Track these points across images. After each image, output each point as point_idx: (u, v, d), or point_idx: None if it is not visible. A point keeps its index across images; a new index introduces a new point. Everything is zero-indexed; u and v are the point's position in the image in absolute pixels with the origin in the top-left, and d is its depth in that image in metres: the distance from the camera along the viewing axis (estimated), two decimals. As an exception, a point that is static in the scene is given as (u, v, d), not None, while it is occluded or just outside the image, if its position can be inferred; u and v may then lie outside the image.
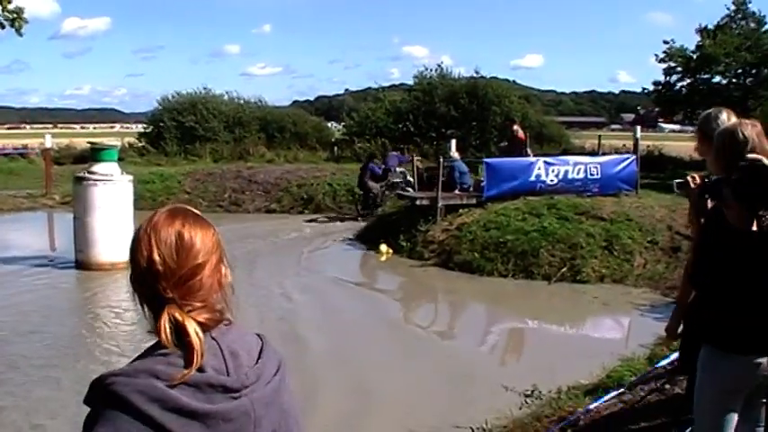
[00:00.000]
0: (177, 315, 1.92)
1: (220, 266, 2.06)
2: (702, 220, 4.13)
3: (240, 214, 27.35)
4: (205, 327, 1.95)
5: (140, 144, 40.79)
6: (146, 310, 1.99)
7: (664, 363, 8.02)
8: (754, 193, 3.22)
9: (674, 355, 6.38)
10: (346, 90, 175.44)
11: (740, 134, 3.81)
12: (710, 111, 4.56)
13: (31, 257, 18.13)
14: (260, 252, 20.04)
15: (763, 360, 3.61)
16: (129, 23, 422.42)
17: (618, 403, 7.50)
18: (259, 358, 2.05)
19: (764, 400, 4.09)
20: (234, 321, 2.06)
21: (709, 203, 4.09)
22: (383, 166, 25.92)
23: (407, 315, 15.10)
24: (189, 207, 2.11)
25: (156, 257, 1.95)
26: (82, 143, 36.40)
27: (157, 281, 1.94)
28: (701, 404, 4.09)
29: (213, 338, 1.97)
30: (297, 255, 19.82)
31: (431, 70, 42.71)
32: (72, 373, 10.20)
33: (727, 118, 4.45)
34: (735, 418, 3.94)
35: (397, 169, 25.64)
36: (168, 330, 1.91)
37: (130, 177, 18.10)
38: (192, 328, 1.91)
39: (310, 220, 25.77)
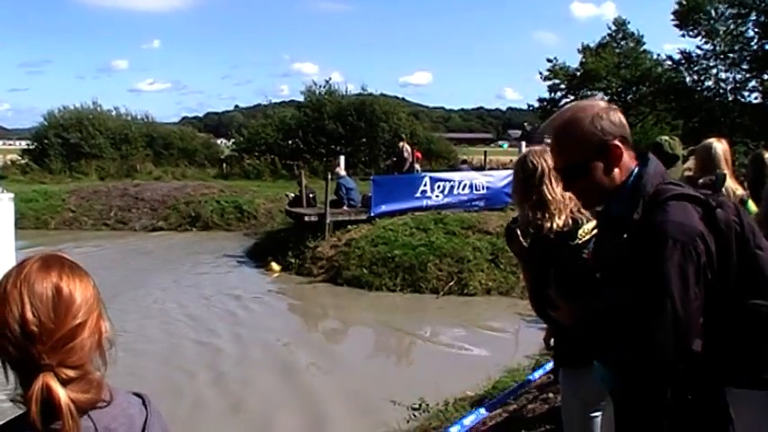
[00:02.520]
0: (53, 386, 1.61)
1: (101, 323, 1.76)
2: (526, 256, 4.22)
3: (126, 232, 26.78)
4: (79, 406, 1.65)
5: (23, 161, 39.62)
6: (9, 373, 1.69)
7: (539, 373, 8.14)
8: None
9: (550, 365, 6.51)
10: (236, 106, 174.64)
11: (530, 163, 3.92)
12: None
13: None
14: (152, 268, 19.67)
15: None
16: (14, 37, 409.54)
17: (503, 413, 7.59)
18: None
19: None
20: (112, 393, 1.77)
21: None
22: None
23: (294, 332, 15.01)
24: (64, 254, 1.81)
25: (30, 316, 1.64)
26: (-40, 160, 35.24)
27: (32, 344, 1.63)
28: (569, 421, 4.22)
29: (90, 417, 1.69)
30: (187, 272, 19.57)
31: (320, 86, 42.81)
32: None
33: None
34: (598, 423, 4.08)
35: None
36: (39, 407, 1.60)
37: (11, 195, 17.46)
38: (67, 407, 1.61)
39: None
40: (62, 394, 1.61)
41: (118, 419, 1.74)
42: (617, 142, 2.60)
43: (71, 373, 1.65)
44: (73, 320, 1.67)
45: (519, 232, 4.13)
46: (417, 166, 24.28)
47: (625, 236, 2.46)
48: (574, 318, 2.86)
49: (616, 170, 2.61)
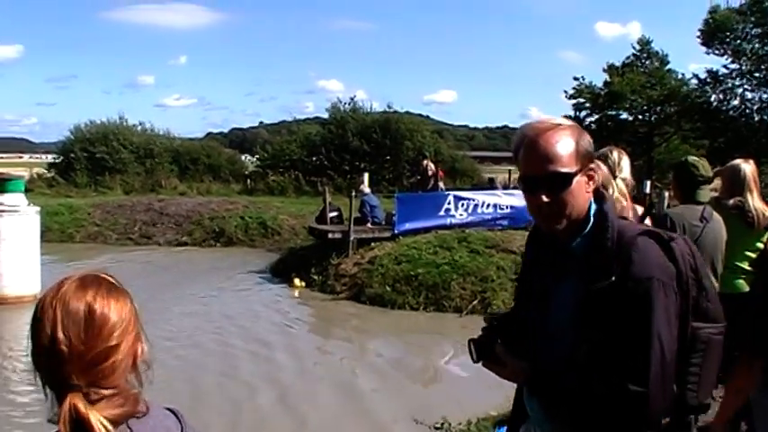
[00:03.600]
0: (81, 407, 1.61)
1: (137, 345, 1.77)
2: None
3: (151, 247, 26.87)
4: (113, 420, 1.65)
5: (49, 175, 40.00)
6: (48, 391, 1.69)
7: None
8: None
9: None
10: (261, 123, 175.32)
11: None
12: (602, 150, 4.60)
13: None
14: (177, 283, 19.71)
15: None
16: (43, 52, 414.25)
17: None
18: None
19: None
20: (148, 406, 1.78)
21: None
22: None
23: (318, 349, 14.99)
24: (104, 274, 1.81)
25: (61, 336, 1.64)
26: (-13, 173, 35.49)
27: (61, 364, 1.63)
28: None
29: (129, 428, 1.69)
30: (210, 287, 19.60)
31: (344, 104, 42.93)
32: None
33: (617, 157, 4.47)
34: None
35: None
36: (68, 427, 1.61)
37: (37, 209, 17.71)
38: (98, 423, 1.61)
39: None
40: (92, 415, 1.61)
41: (157, 430, 1.75)
42: (593, 165, 2.54)
43: (104, 392, 1.66)
44: (104, 342, 1.67)
45: None
46: (441, 185, 24.28)
47: (613, 278, 2.36)
48: (523, 377, 2.68)
49: (587, 195, 2.51)
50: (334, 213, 22.01)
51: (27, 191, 19.37)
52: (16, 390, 10.58)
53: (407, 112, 45.38)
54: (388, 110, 42.59)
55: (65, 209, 29.41)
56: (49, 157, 47.46)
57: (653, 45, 43.47)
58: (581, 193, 2.48)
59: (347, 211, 20.64)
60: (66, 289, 1.71)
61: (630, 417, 2.37)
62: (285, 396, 11.29)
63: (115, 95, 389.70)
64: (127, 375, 1.74)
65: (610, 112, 42.94)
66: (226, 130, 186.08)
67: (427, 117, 76.83)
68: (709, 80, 41.01)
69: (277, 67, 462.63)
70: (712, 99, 41.07)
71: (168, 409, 1.86)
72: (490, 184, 30.26)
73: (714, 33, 39.66)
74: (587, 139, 2.53)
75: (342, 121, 41.04)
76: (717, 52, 40.32)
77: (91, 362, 1.65)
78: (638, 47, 43.67)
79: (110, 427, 1.63)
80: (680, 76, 42.79)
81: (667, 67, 43.04)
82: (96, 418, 1.61)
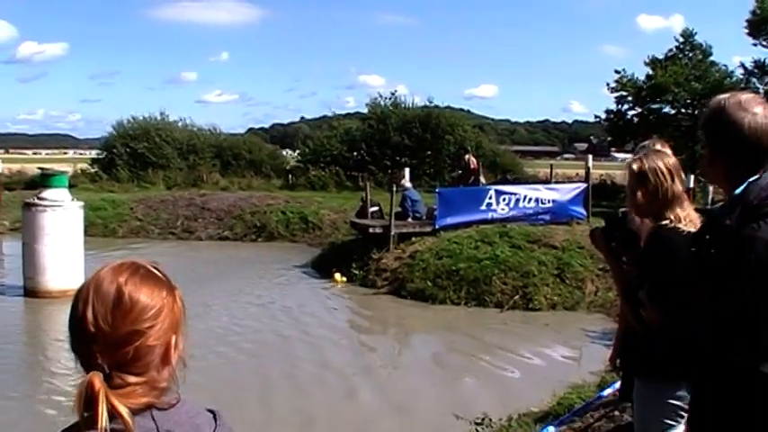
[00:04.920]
0: (95, 385, 1.61)
1: (171, 336, 1.77)
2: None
3: (193, 241, 27.10)
4: (130, 408, 1.64)
5: (93, 170, 40.33)
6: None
7: (609, 391, 8.03)
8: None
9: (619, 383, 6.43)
10: (302, 118, 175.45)
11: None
12: (645, 143, 4.57)
13: (-22, 285, 17.81)
14: (214, 277, 19.82)
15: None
16: (87, 49, 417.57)
17: (567, 431, 7.50)
18: None
19: None
20: (178, 401, 1.77)
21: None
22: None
23: (359, 343, 15.04)
24: (145, 262, 1.85)
25: (90, 315, 1.68)
26: (33, 169, 35.95)
27: (88, 344, 1.67)
28: None
29: (153, 419, 1.68)
30: (252, 281, 19.70)
31: (385, 98, 42.89)
32: (17, 402, 10.04)
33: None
34: None
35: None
36: (80, 404, 1.62)
37: (81, 203, 17.90)
38: (104, 407, 1.60)
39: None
40: (103, 396, 1.61)
41: (183, 426, 1.73)
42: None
43: (129, 379, 1.67)
44: (131, 325, 1.69)
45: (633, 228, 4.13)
46: (482, 179, 24.18)
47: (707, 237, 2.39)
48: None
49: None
50: (375, 208, 21.99)
51: (71, 186, 19.58)
52: (60, 380, 10.69)
53: (448, 107, 45.41)
54: (428, 104, 42.47)
55: (107, 204, 29.63)
56: (93, 153, 47.93)
57: (696, 37, 42.95)
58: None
59: (387, 205, 20.61)
60: (103, 272, 1.76)
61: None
62: (317, 385, 11.35)
63: (158, 92, 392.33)
64: (158, 366, 1.74)
65: (652, 106, 42.44)
66: (267, 126, 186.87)
67: (468, 111, 77.01)
68: (755, 71, 40.51)
69: (318, 62, 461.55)
70: (760, 90, 40.50)
71: (208, 410, 1.84)
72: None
73: (761, 24, 39.12)
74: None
75: (382, 116, 40.98)
76: (764, 43, 39.80)
77: (115, 343, 1.67)
78: (681, 39, 43.13)
79: (123, 411, 1.61)
80: (723, 68, 42.28)
81: (710, 59, 42.48)
82: (106, 399, 1.61)
